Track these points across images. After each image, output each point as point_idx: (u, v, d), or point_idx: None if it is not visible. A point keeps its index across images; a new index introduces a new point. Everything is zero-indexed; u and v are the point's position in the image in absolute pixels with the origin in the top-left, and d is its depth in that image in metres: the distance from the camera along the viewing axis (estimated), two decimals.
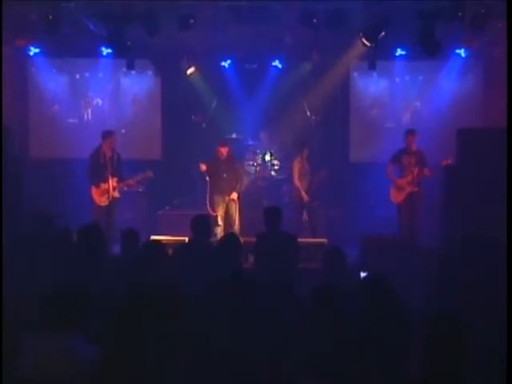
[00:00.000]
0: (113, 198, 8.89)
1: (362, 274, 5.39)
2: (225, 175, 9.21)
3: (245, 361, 3.67)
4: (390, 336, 3.86)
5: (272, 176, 10.78)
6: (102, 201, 8.86)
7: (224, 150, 9.26)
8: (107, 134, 8.96)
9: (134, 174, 9.10)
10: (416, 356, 3.56)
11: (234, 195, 9.25)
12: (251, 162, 10.71)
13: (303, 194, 9.32)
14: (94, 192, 8.87)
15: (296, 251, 6.58)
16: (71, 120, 11.14)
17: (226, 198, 9.23)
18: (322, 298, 4.11)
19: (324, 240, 8.56)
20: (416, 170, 9.02)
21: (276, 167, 10.79)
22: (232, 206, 9.23)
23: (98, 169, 8.83)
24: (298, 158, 9.44)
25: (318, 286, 4.23)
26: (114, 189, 8.86)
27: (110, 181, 8.83)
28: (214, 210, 9.16)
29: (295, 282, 4.80)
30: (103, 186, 8.83)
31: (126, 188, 9.07)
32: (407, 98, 11.16)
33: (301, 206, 9.39)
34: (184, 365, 3.60)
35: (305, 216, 9.46)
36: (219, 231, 9.06)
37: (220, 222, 9.17)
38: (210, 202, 9.23)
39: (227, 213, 9.24)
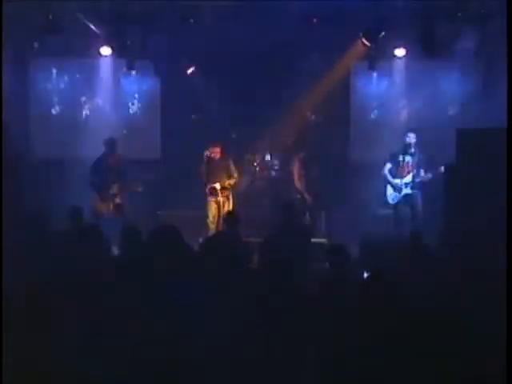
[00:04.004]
0: (117, 204, 8.94)
1: (366, 274, 5.38)
2: (218, 172, 9.24)
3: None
4: (393, 335, 3.86)
5: (272, 176, 10.78)
6: (105, 210, 8.88)
7: (216, 152, 9.26)
8: (109, 148, 8.93)
9: (135, 178, 9.12)
10: (419, 354, 3.57)
11: (216, 185, 9.20)
12: (251, 162, 10.71)
13: (305, 195, 9.33)
14: (96, 201, 8.90)
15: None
16: (71, 120, 11.13)
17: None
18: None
19: (324, 240, 8.58)
20: (414, 171, 9.01)
21: (276, 167, 10.80)
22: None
23: (99, 179, 8.83)
24: (295, 160, 9.48)
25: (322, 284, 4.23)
26: (115, 196, 8.89)
27: (112, 189, 8.85)
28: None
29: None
30: (105, 195, 8.84)
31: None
32: (407, 98, 11.16)
33: (302, 207, 9.40)
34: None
35: (306, 216, 9.46)
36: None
37: (211, 220, 9.21)
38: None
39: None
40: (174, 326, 3.75)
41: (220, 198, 9.20)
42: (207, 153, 9.20)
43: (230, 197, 9.32)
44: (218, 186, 9.20)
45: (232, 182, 9.31)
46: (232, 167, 9.41)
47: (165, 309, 3.83)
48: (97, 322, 3.80)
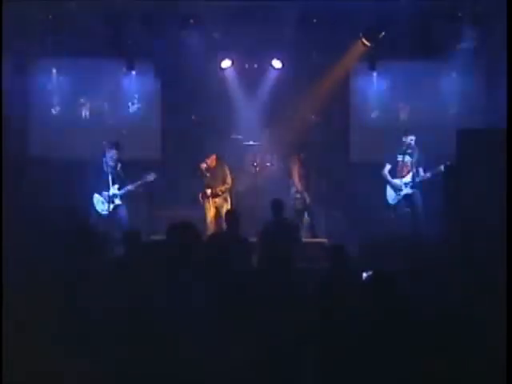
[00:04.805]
0: (115, 205, 8.96)
1: (365, 274, 5.38)
2: (214, 179, 9.45)
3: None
4: (393, 335, 3.86)
5: (272, 176, 10.77)
6: (104, 209, 8.90)
7: (211, 160, 9.41)
8: (111, 147, 8.97)
9: (135, 178, 9.13)
10: (420, 355, 3.57)
11: (207, 191, 9.42)
12: (251, 162, 10.71)
13: (305, 194, 9.34)
14: (96, 201, 8.93)
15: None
16: (71, 120, 11.12)
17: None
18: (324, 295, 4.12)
19: (324, 240, 8.57)
20: (413, 170, 9.01)
21: (276, 167, 10.80)
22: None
23: (99, 178, 8.87)
24: (294, 161, 9.50)
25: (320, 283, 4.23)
26: (115, 196, 8.92)
27: (112, 190, 8.88)
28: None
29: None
30: (104, 194, 8.89)
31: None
32: (407, 98, 11.16)
33: (302, 207, 9.40)
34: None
35: (305, 216, 9.47)
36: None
37: (209, 221, 9.39)
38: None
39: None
40: (175, 326, 3.75)
41: (217, 200, 9.32)
42: (204, 165, 9.32)
43: (228, 199, 9.45)
44: (208, 192, 9.40)
45: (223, 188, 9.50)
46: (227, 173, 9.58)
47: (166, 308, 3.84)
48: (97, 322, 3.80)
